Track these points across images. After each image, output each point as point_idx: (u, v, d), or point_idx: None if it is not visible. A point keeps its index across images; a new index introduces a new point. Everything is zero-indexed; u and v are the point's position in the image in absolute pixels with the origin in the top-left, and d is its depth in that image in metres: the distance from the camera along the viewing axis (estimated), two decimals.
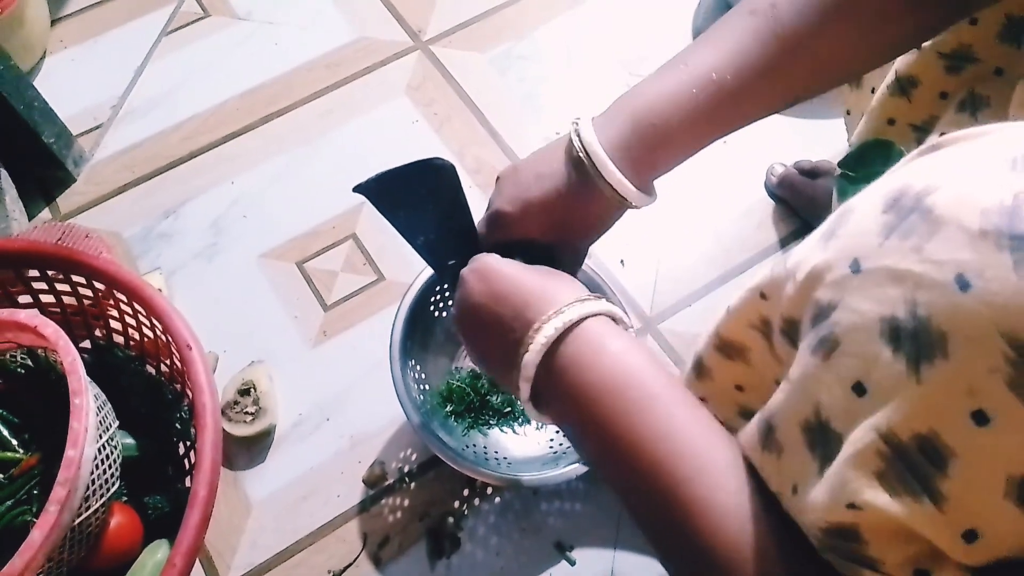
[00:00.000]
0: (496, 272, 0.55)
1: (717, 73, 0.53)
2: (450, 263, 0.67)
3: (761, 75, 0.53)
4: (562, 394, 0.50)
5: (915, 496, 0.31)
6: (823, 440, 0.35)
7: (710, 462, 0.42)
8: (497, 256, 0.58)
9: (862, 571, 0.34)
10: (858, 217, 0.35)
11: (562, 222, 0.59)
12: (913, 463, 0.31)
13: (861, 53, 0.54)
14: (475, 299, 0.56)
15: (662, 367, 0.48)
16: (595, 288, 0.91)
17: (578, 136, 0.56)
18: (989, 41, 0.59)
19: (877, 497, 0.32)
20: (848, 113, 0.84)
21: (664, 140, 0.55)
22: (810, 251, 0.38)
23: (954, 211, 0.31)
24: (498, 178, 0.63)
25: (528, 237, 0.61)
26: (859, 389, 0.33)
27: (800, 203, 1.12)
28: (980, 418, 0.29)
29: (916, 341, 0.30)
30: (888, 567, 0.33)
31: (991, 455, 0.29)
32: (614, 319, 0.52)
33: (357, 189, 0.62)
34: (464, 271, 0.58)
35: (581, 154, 0.55)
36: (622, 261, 1.10)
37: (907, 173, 0.35)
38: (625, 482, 0.46)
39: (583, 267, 0.88)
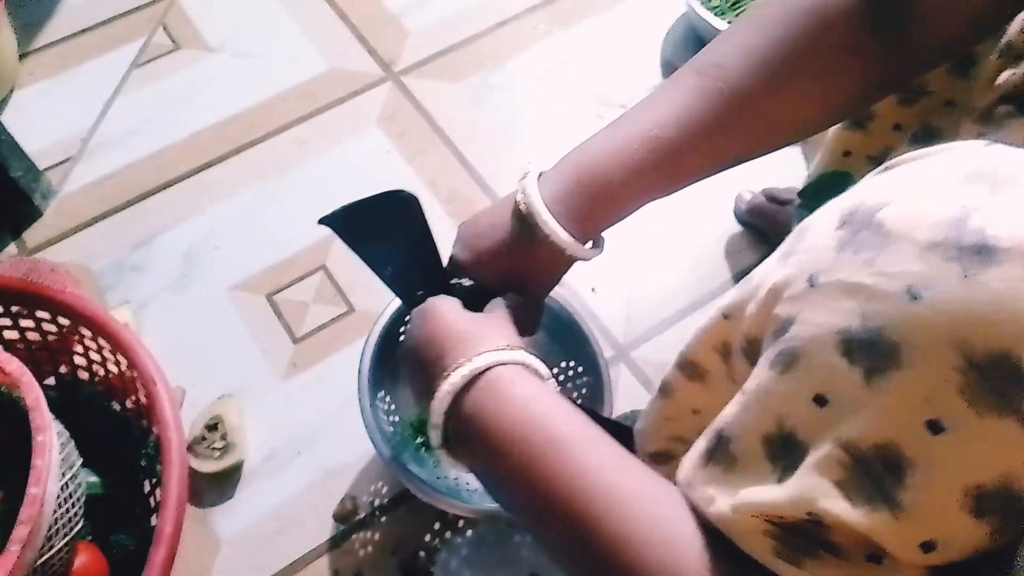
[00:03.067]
0: (435, 314, 0.56)
1: (660, 131, 0.53)
2: (418, 293, 0.67)
3: (704, 134, 0.53)
4: (470, 442, 0.50)
5: (874, 506, 0.32)
6: (785, 451, 0.35)
7: (620, 496, 0.42)
8: (447, 299, 0.58)
9: (820, 552, 0.34)
10: (814, 234, 0.36)
11: (512, 271, 0.60)
12: (873, 473, 0.32)
13: (810, 113, 0.55)
14: (413, 339, 0.57)
15: (570, 410, 0.48)
16: (568, 320, 0.92)
17: (521, 188, 0.57)
18: (940, 74, 0.61)
19: (836, 505, 0.33)
20: (806, 142, 0.86)
21: (605, 195, 0.56)
22: (771, 270, 0.39)
23: (904, 225, 0.32)
24: (459, 227, 0.65)
25: (483, 283, 0.62)
26: (820, 400, 0.33)
27: (769, 229, 1.13)
28: (935, 427, 0.30)
29: (870, 352, 0.31)
30: (845, 550, 0.34)
31: (948, 464, 0.30)
32: (528, 367, 0.52)
33: (323, 221, 0.62)
34: (415, 310, 0.59)
35: (523, 208, 0.56)
36: (593, 289, 1.10)
37: (861, 190, 0.36)
38: (540, 528, 0.47)
39: (554, 295, 0.89)
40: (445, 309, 0.57)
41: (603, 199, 0.56)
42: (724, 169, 0.56)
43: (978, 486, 0.30)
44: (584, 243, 0.58)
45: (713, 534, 0.39)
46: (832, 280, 0.33)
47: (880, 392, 0.31)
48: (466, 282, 0.64)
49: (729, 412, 0.39)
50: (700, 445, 0.41)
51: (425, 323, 0.57)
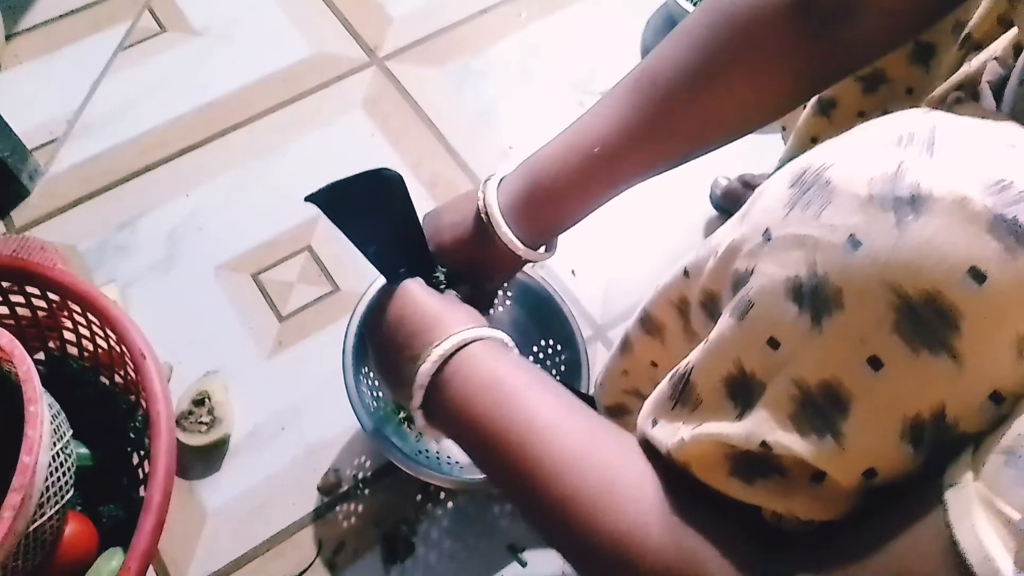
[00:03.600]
0: (409, 295, 0.61)
1: (602, 142, 0.58)
2: (401, 271, 0.69)
3: (645, 140, 0.57)
4: (445, 401, 0.55)
5: (820, 436, 0.35)
6: (745, 390, 0.38)
7: (571, 433, 0.47)
8: (418, 281, 0.63)
9: (770, 474, 0.37)
10: (768, 195, 0.39)
11: (468, 263, 0.67)
12: (819, 407, 0.35)
13: (746, 113, 0.57)
14: (385, 316, 0.61)
15: (535, 370, 0.54)
16: (546, 297, 0.95)
17: (483, 194, 0.63)
18: (900, 63, 0.64)
19: (786, 437, 0.36)
20: (784, 129, 0.89)
21: (554, 202, 0.62)
22: (729, 229, 0.42)
23: (847, 181, 0.35)
24: (424, 216, 0.70)
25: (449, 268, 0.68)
26: (773, 343, 0.36)
27: None
28: (875, 363, 0.33)
29: (816, 297, 0.34)
30: (791, 473, 0.37)
31: (886, 398, 0.33)
32: (495, 340, 0.57)
33: (309, 199, 0.64)
34: (386, 290, 0.64)
35: (483, 213, 0.63)
36: (573, 271, 1.13)
37: (810, 154, 0.39)
38: (499, 474, 0.51)
39: (534, 276, 0.92)
40: (419, 290, 0.62)
41: (553, 207, 0.62)
42: (669, 169, 0.60)
43: (915, 416, 0.32)
44: (536, 248, 0.65)
45: (669, 472, 0.43)
46: (783, 234, 0.36)
47: (825, 333, 0.34)
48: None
49: (693, 357, 0.42)
50: (663, 389, 0.45)
51: (398, 303, 0.61)
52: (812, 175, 0.36)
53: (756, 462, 0.38)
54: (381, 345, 0.62)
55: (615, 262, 1.14)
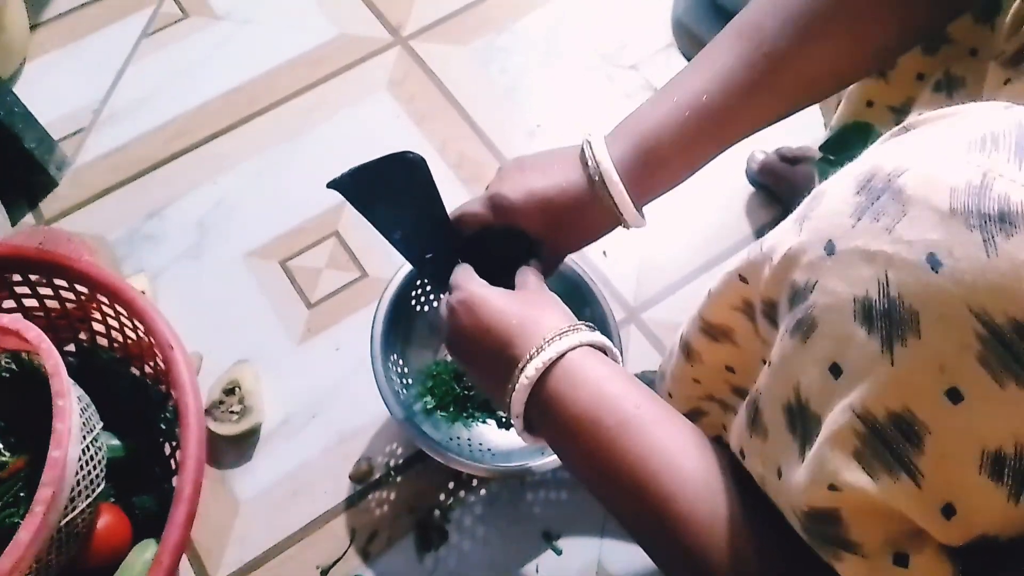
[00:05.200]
0: (482, 304, 0.57)
1: (707, 96, 0.55)
2: (427, 256, 0.68)
3: (750, 95, 0.55)
4: (548, 427, 0.53)
5: (892, 473, 0.32)
6: (803, 421, 0.36)
7: (689, 477, 0.44)
8: (477, 279, 0.60)
9: (843, 554, 0.34)
10: (830, 199, 0.36)
11: (556, 222, 0.61)
12: (889, 441, 0.32)
13: (848, 66, 0.55)
14: (464, 332, 0.58)
15: (639, 389, 0.50)
16: (577, 280, 0.92)
17: (590, 148, 0.59)
18: (964, 22, 0.60)
19: (856, 477, 0.33)
20: None
21: (661, 162, 0.58)
22: (785, 234, 0.38)
23: (924, 191, 0.31)
24: (500, 168, 0.65)
25: (517, 227, 0.63)
26: (835, 370, 0.33)
27: (781, 189, 1.12)
28: (954, 395, 0.30)
29: (889, 320, 0.31)
30: (867, 549, 0.34)
31: (965, 431, 0.30)
32: (595, 346, 0.54)
33: (331, 185, 0.63)
34: (452, 301, 0.60)
35: (591, 163, 0.58)
36: (604, 252, 1.10)
37: (878, 155, 0.35)
38: (615, 506, 0.49)
39: (567, 259, 0.89)
40: (491, 295, 0.58)
41: (659, 167, 0.58)
42: (770, 125, 0.58)
43: (996, 451, 0.30)
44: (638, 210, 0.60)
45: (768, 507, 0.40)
46: (850, 247, 0.33)
47: (898, 361, 0.31)
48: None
49: (760, 382, 0.40)
50: (742, 415, 0.42)
51: (475, 314, 0.58)
52: (882, 181, 0.33)
53: (827, 541, 0.35)
54: (470, 362, 0.59)
55: (648, 242, 1.12)
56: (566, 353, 0.52)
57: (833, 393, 0.33)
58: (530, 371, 0.52)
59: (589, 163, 0.58)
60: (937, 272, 0.30)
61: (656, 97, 0.58)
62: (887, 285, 0.31)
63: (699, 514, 0.42)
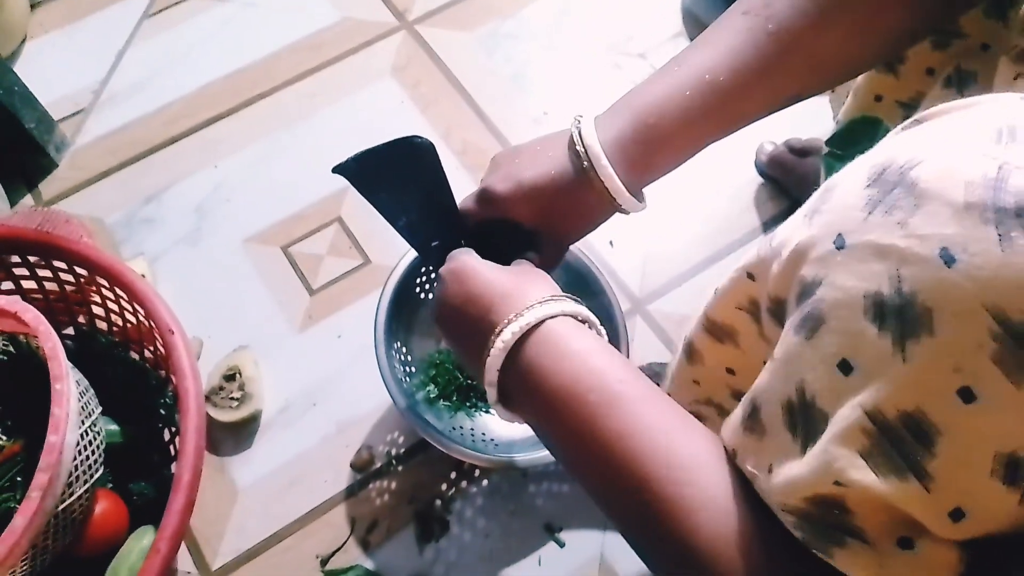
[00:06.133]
0: (470, 272, 0.55)
1: (711, 74, 0.52)
2: (433, 244, 0.66)
3: (756, 75, 0.52)
4: (527, 398, 0.50)
5: (901, 475, 0.31)
6: (806, 419, 0.34)
7: (677, 458, 0.41)
8: (474, 255, 0.58)
9: (846, 540, 0.33)
10: (842, 192, 0.35)
11: (549, 211, 0.59)
12: (899, 441, 0.31)
13: (859, 50, 0.53)
14: (449, 300, 0.56)
15: (626, 365, 0.47)
16: (583, 270, 0.91)
17: (579, 131, 0.56)
18: (975, 16, 0.59)
19: (863, 476, 0.32)
20: (833, 91, 0.83)
21: (661, 142, 0.55)
22: (795, 229, 0.37)
23: (938, 184, 0.30)
24: (493, 158, 0.63)
25: (512, 218, 0.60)
26: (845, 367, 0.32)
27: (790, 182, 1.11)
28: (967, 395, 0.29)
29: (901, 318, 0.30)
30: (871, 535, 0.33)
31: (978, 433, 0.29)
32: (579, 319, 0.51)
33: (336, 170, 0.62)
34: (442, 270, 0.58)
35: (580, 148, 0.55)
36: (611, 242, 1.09)
37: (891, 146, 0.34)
38: (595, 485, 0.46)
39: (572, 248, 0.88)
40: (480, 265, 0.56)
41: (659, 146, 0.55)
42: (776, 111, 0.55)
43: (1010, 454, 0.29)
44: (633, 194, 0.57)
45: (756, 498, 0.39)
46: (861, 241, 0.32)
47: (910, 359, 0.30)
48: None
49: (760, 379, 0.39)
50: (736, 412, 0.41)
51: (462, 282, 0.55)
52: (896, 174, 0.32)
53: (829, 528, 0.34)
54: (453, 331, 0.57)
55: (655, 233, 1.10)
56: (545, 321, 0.49)
57: (842, 390, 0.32)
58: (506, 335, 0.49)
59: (578, 147, 0.56)
60: (951, 268, 0.29)
61: (657, 74, 0.56)
62: (899, 281, 0.30)
63: (688, 496, 0.40)
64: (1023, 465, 0.29)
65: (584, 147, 0.55)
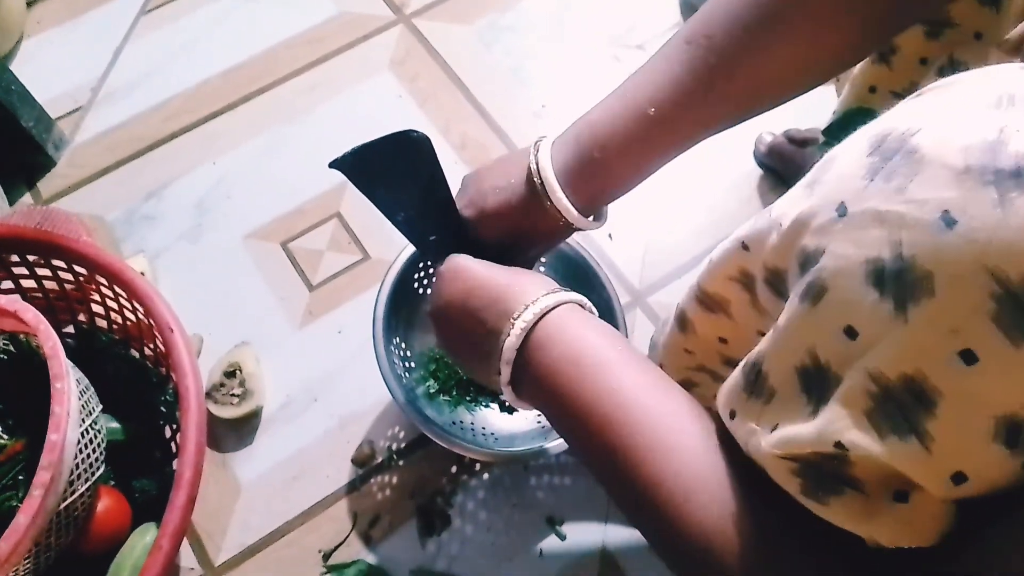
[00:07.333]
0: (468, 270, 0.58)
1: (656, 108, 0.54)
2: (431, 239, 0.66)
3: (699, 104, 0.53)
4: (532, 374, 0.52)
5: (902, 436, 0.31)
6: (820, 382, 0.35)
7: (662, 414, 0.44)
8: (467, 256, 0.61)
9: (844, 489, 0.34)
10: (843, 162, 0.35)
11: (513, 232, 0.63)
12: (901, 404, 0.31)
13: (802, 73, 0.53)
14: (448, 296, 0.59)
15: (620, 340, 0.51)
16: (582, 264, 0.91)
17: (535, 157, 0.59)
18: (968, 6, 0.58)
19: (863, 438, 0.32)
20: (838, 80, 0.83)
21: (606, 174, 0.58)
22: (795, 200, 0.38)
23: (938, 150, 0.30)
24: (463, 180, 0.66)
25: (481, 239, 0.64)
26: (850, 332, 0.33)
27: (789, 172, 1.11)
28: (968, 357, 0.29)
29: (901, 282, 0.30)
30: (869, 487, 0.33)
31: (978, 395, 0.29)
32: (581, 306, 0.55)
33: (333, 165, 0.62)
34: (440, 269, 0.61)
35: (535, 177, 0.59)
36: (610, 235, 1.09)
37: (892, 116, 0.34)
38: (585, 444, 0.49)
39: (570, 241, 0.88)
40: (476, 263, 0.59)
41: (604, 179, 0.58)
42: (728, 128, 0.56)
43: (1011, 416, 0.29)
44: (587, 215, 0.60)
45: (751, 469, 0.40)
46: (862, 209, 0.32)
47: (911, 322, 0.30)
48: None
49: (764, 346, 0.39)
50: (737, 377, 0.41)
51: (461, 279, 0.58)
52: (896, 141, 0.32)
53: (828, 475, 0.34)
54: (451, 326, 0.59)
55: (654, 225, 1.10)
56: (555, 308, 0.53)
57: (851, 355, 0.33)
58: (528, 315, 0.52)
59: (533, 172, 0.59)
60: (950, 231, 0.29)
61: (604, 101, 0.58)
62: (900, 245, 0.30)
63: (670, 451, 0.42)
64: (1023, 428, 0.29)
65: (540, 176, 0.58)
